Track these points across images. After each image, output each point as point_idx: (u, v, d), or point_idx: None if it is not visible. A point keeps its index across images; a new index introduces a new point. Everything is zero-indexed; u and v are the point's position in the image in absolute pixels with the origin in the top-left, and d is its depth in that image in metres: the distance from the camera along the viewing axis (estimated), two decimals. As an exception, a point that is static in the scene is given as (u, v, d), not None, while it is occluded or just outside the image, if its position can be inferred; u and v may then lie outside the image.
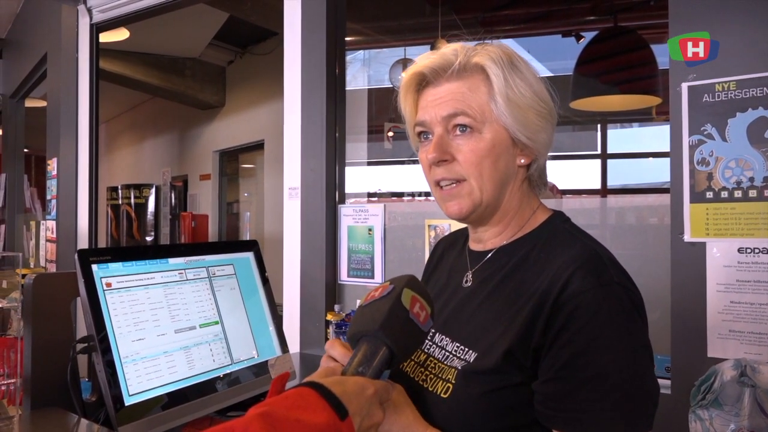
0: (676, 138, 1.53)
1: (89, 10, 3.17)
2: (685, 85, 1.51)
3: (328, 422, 0.63)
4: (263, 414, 0.61)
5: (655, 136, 4.58)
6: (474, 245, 1.00)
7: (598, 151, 5.16)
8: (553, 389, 0.79)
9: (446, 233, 2.02)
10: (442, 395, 0.86)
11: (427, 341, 0.96)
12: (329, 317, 2.11)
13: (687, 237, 1.51)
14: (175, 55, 6.34)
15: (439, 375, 0.89)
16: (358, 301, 2.29)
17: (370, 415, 0.70)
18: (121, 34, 4.95)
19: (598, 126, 5.02)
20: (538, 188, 0.98)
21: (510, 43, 4.88)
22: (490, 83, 0.89)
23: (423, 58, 0.93)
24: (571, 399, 0.77)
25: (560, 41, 4.21)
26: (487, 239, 0.97)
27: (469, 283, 0.96)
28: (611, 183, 5.16)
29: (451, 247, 1.10)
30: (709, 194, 1.49)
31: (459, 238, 1.08)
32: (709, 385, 1.41)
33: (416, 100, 0.96)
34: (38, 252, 4.18)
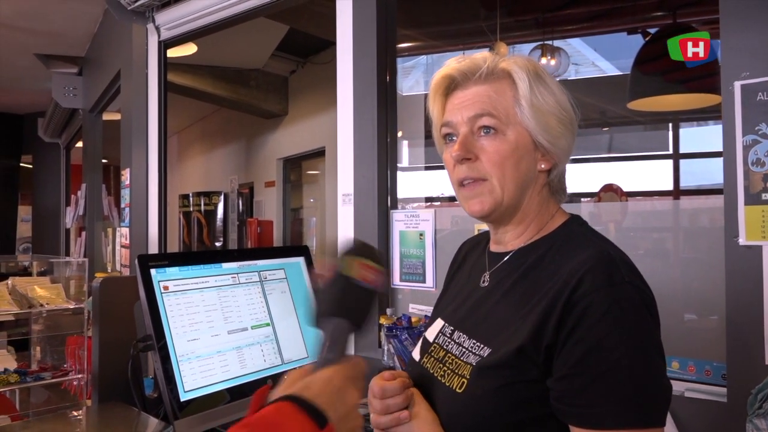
0: (729, 138, 1.48)
1: (157, 28, 3.35)
2: (738, 84, 1.47)
3: None
4: None
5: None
6: (494, 247, 1.04)
7: (670, 151, 4.99)
8: (567, 385, 0.81)
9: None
10: (457, 390, 0.90)
11: (446, 338, 1.00)
12: (382, 321, 2.14)
13: (742, 240, 1.46)
14: (240, 67, 6.57)
15: (455, 370, 0.93)
16: (411, 306, 2.33)
17: (343, 402, 0.71)
18: (189, 49, 5.18)
19: (669, 125, 4.85)
20: (558, 195, 1.01)
21: (575, 43, 4.80)
22: (516, 88, 0.93)
23: (453, 61, 0.97)
24: (585, 395, 0.80)
25: (627, 39, 4.12)
26: (507, 241, 1.00)
27: (486, 284, 1.00)
28: (685, 184, 4.97)
29: (474, 249, 1.14)
30: (765, 196, 1.43)
31: (482, 240, 1.12)
32: (767, 393, 1.36)
33: (444, 104, 1.00)
34: (114, 257, 4.43)
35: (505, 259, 0.98)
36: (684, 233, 1.84)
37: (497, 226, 1.00)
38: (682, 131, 4.92)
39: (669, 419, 1.54)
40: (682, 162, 4.86)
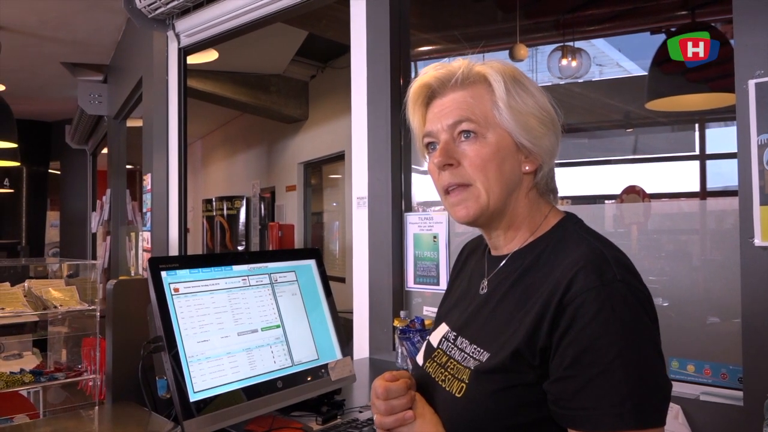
0: (743, 138, 1.46)
1: (177, 36, 3.40)
2: (752, 82, 1.44)
3: None
4: None
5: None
6: (492, 250, 1.03)
7: (696, 152, 4.90)
8: (563, 388, 0.81)
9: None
10: (456, 394, 0.90)
11: (450, 344, 1.00)
12: (395, 323, 2.15)
13: (758, 241, 1.43)
14: (261, 73, 6.64)
15: (456, 375, 0.93)
16: (425, 308, 2.32)
17: None
18: (211, 56, 5.26)
19: (696, 126, 4.76)
20: (547, 196, 1.00)
21: (599, 43, 4.73)
22: (492, 91, 0.93)
23: (430, 69, 0.98)
24: (581, 396, 0.79)
25: (651, 39, 4.06)
26: (501, 245, 1.00)
27: (484, 291, 1.00)
28: (713, 185, 4.88)
29: (474, 251, 1.14)
30: (781, 196, 1.40)
31: (482, 242, 1.11)
32: (784, 397, 1.33)
33: (424, 114, 1.00)
34: (137, 261, 4.50)
35: (503, 263, 0.98)
36: (706, 235, 1.81)
37: (487, 231, 1.00)
38: (709, 132, 4.83)
39: (684, 423, 1.51)
40: (711, 163, 4.76)
